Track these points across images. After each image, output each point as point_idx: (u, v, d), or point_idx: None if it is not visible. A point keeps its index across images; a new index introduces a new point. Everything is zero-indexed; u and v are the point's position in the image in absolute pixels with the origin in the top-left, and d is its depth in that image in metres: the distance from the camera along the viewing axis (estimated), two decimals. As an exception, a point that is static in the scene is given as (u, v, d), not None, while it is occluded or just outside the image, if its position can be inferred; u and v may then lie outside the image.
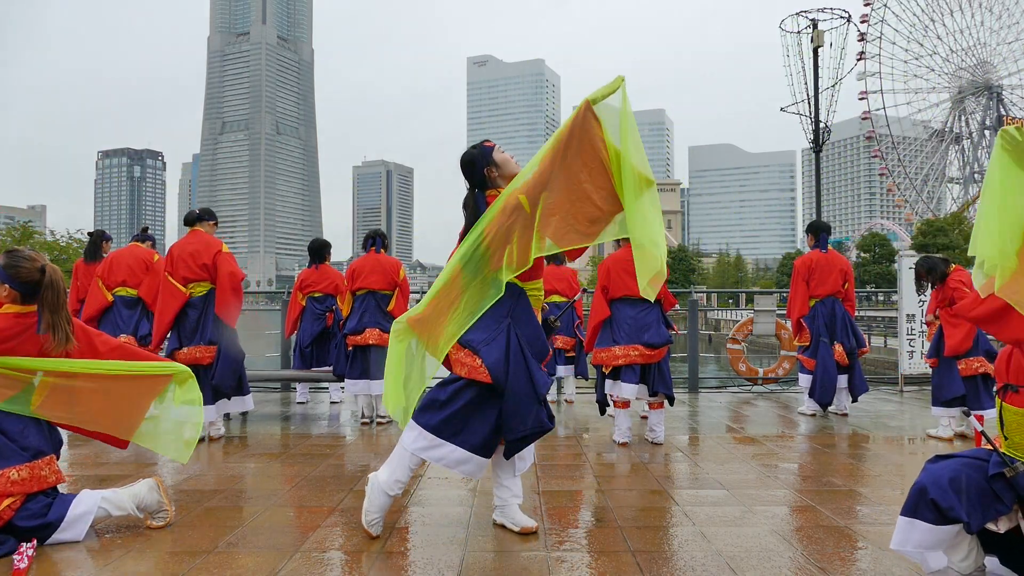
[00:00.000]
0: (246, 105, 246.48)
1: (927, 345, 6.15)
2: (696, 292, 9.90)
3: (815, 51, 18.84)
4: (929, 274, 5.46)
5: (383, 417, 5.98)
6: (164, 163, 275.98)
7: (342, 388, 7.23)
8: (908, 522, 2.28)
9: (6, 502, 2.79)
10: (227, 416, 5.99)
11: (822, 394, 6.19)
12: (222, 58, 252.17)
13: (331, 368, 6.42)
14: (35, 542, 2.81)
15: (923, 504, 2.23)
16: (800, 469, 4.42)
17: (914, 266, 5.74)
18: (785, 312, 7.48)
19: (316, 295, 6.91)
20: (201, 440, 5.16)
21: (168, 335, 5.21)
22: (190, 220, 5.37)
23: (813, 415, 6.38)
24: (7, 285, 2.94)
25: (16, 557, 2.65)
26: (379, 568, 2.69)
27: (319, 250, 6.99)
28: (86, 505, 2.99)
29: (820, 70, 18.65)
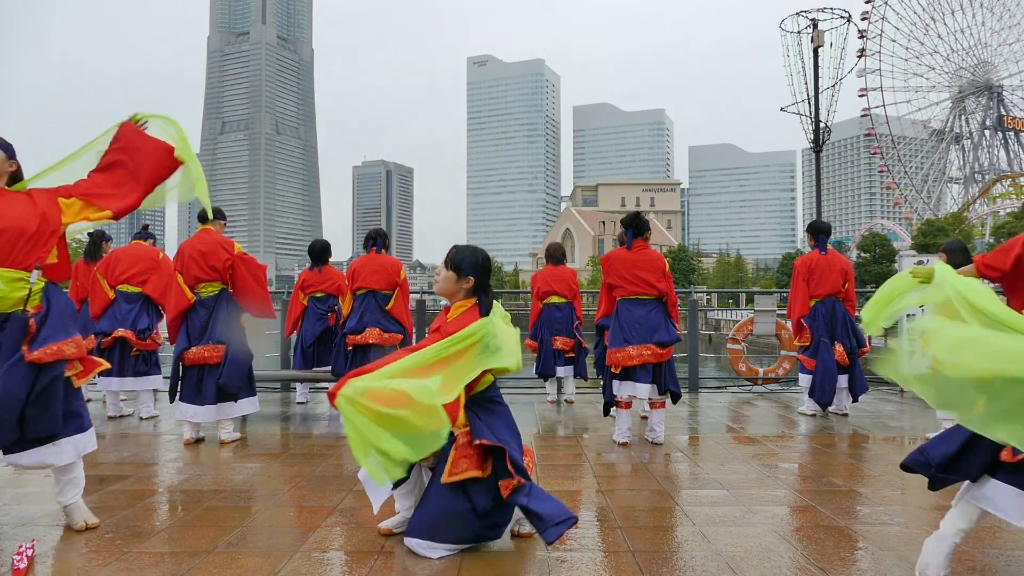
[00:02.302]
0: (246, 105, 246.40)
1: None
2: (696, 292, 9.90)
3: (815, 51, 18.83)
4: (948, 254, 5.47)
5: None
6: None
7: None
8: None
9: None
10: (243, 418, 6.01)
11: (822, 394, 6.19)
12: (222, 58, 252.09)
13: (330, 368, 6.42)
14: (34, 542, 2.81)
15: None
16: (800, 469, 4.42)
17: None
18: (785, 312, 7.48)
19: (318, 295, 6.91)
20: (199, 441, 5.17)
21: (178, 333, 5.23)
22: (203, 217, 5.37)
23: (813, 415, 6.38)
24: None
25: (16, 557, 2.65)
26: (379, 568, 2.69)
27: (321, 252, 6.97)
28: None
29: (820, 70, 18.65)
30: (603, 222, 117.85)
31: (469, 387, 2.89)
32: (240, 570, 2.65)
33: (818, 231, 6.49)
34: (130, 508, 3.47)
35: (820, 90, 18.78)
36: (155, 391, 6.40)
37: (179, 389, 5.18)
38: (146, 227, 6.57)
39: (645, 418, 5.71)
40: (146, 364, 6.16)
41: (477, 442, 2.82)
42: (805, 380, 6.42)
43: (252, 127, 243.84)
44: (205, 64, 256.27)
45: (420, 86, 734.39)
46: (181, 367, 5.15)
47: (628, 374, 5.05)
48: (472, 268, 3.00)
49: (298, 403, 7.20)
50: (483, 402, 2.96)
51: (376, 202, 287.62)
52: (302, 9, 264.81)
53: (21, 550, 2.69)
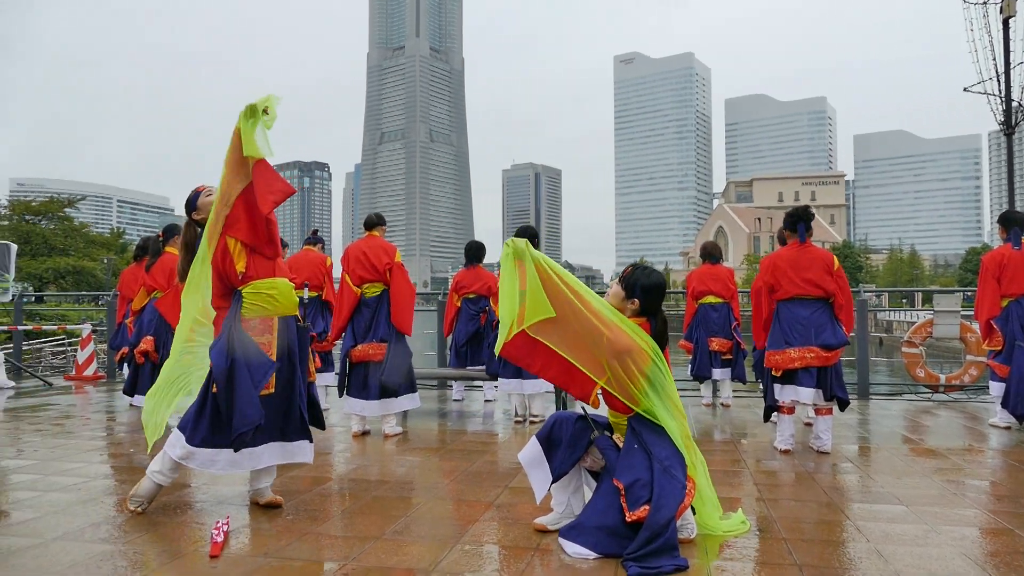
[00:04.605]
0: (402, 116, 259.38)
1: None
2: (865, 291, 9.19)
3: (1005, 22, 16.89)
4: None
5: (536, 416, 6.06)
6: (330, 173, 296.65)
7: (495, 387, 7.42)
8: None
9: None
10: (404, 413, 6.31)
11: (1017, 404, 5.54)
12: (380, 72, 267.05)
13: (484, 367, 6.60)
14: (229, 518, 3.12)
15: None
16: (993, 487, 3.98)
17: None
18: (972, 313, 6.78)
19: (470, 296, 7.13)
20: (365, 434, 5.50)
21: (344, 332, 5.60)
22: (369, 224, 5.78)
23: (1007, 428, 5.72)
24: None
25: (214, 532, 2.95)
26: (536, 564, 2.72)
27: (476, 252, 7.18)
28: None
29: (1012, 43, 16.70)
30: (759, 219, 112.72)
31: (635, 401, 2.94)
32: (405, 557, 2.79)
33: (1011, 222, 5.83)
34: (307, 493, 3.76)
35: (1012, 66, 16.82)
36: (327, 386, 6.90)
37: (347, 384, 5.54)
38: (315, 232, 7.04)
39: (809, 425, 5.39)
40: (324, 363, 6.68)
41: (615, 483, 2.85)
42: (997, 388, 5.79)
43: (408, 136, 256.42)
44: (365, 79, 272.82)
45: (567, 87, 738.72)
46: (348, 364, 5.51)
47: (790, 378, 4.78)
48: (640, 290, 3.08)
49: (454, 400, 7.47)
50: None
51: (525, 204, 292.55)
52: (452, 20, 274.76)
53: (219, 525, 2.99)
